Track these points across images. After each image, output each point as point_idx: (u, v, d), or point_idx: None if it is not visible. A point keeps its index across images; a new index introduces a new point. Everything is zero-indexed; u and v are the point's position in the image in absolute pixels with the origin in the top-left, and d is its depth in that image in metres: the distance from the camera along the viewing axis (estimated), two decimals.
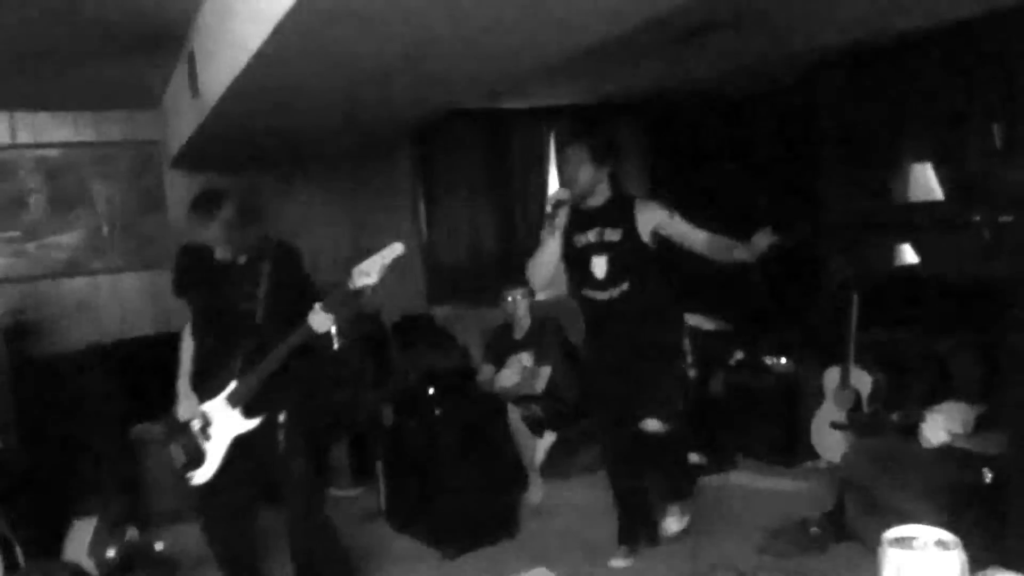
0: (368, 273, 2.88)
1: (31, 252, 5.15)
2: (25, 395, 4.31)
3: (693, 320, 5.03)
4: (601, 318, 3.37)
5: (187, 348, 3.19)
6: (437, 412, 3.96)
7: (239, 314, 3.04)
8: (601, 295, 3.32)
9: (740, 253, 3.12)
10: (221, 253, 3.01)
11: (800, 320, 5.54)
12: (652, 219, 3.27)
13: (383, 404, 4.32)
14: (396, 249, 2.92)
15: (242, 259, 3.06)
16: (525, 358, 4.93)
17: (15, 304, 4.98)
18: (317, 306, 2.91)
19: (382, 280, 2.87)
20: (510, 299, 4.96)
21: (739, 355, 5.16)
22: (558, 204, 3.24)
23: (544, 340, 4.89)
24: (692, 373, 4.43)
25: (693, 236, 3.24)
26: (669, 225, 3.27)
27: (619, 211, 3.30)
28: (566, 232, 3.36)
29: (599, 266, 3.30)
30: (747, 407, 4.97)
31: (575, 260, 3.37)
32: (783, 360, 4.97)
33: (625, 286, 3.28)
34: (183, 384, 3.14)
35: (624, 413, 3.40)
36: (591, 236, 3.32)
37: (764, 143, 6.17)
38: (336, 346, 3.16)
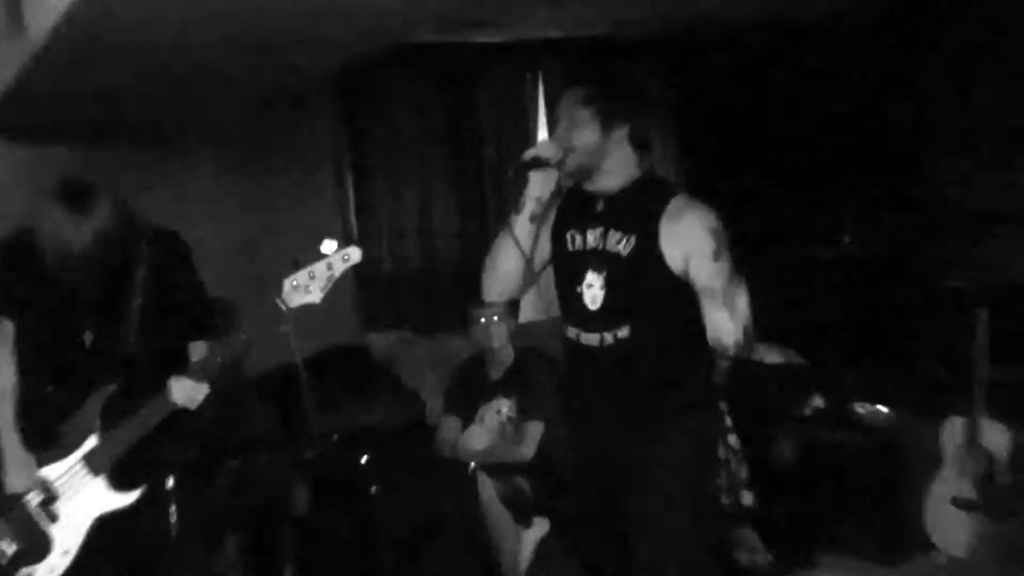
0: (306, 288, 2.98)
1: None
2: None
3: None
4: (584, 374, 3.19)
5: (4, 387, 3.22)
6: (373, 491, 3.99)
7: (99, 342, 3.13)
8: (588, 337, 3.11)
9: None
10: (77, 259, 3.05)
11: (905, 351, 5.59)
12: (691, 241, 2.99)
13: (292, 481, 4.34)
14: (351, 256, 3.00)
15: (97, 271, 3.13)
16: (505, 408, 4.97)
17: None
18: (191, 368, 3.03)
19: (325, 299, 2.99)
20: (482, 322, 4.98)
21: (816, 402, 5.18)
22: (533, 164, 3.08)
23: (532, 382, 4.92)
24: (735, 443, 4.33)
25: (723, 316, 2.92)
26: (704, 269, 2.96)
27: (640, 206, 3.09)
28: (556, 223, 3.23)
29: (592, 289, 3.10)
30: (829, 478, 4.95)
31: (563, 272, 3.22)
32: (881, 409, 5.00)
33: (625, 331, 3.07)
34: (7, 440, 3.17)
35: (607, 539, 3.22)
36: (590, 238, 3.14)
37: (844, 97, 6.28)
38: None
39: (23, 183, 5.36)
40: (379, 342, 6.14)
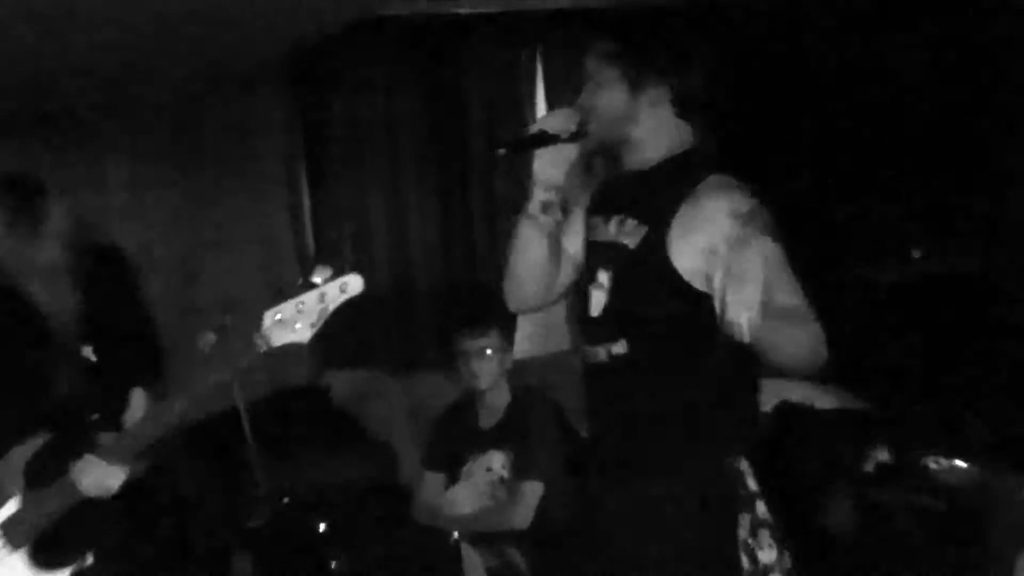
0: (293, 324, 3.01)
1: None
2: None
3: (794, 391, 5.11)
4: (591, 392, 3.20)
5: None
6: (334, 566, 4.00)
7: (34, 379, 3.24)
8: (591, 350, 3.12)
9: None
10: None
11: (991, 393, 5.55)
12: (707, 233, 2.82)
13: (234, 551, 4.46)
14: (350, 286, 3.03)
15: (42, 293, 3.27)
16: (497, 464, 4.98)
17: None
18: (102, 448, 3.04)
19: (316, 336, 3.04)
20: (471, 355, 4.97)
21: (880, 455, 5.16)
22: (538, 140, 3.07)
23: (531, 432, 4.94)
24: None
25: (738, 291, 2.59)
26: (716, 262, 2.63)
27: (667, 188, 3.02)
28: (589, 208, 3.24)
29: (599, 289, 3.10)
30: (897, 548, 4.93)
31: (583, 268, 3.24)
32: (960, 464, 4.97)
33: (620, 346, 3.05)
34: None
35: None
36: (610, 226, 3.11)
37: (911, 78, 6.25)
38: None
39: None
40: (341, 383, 6.18)
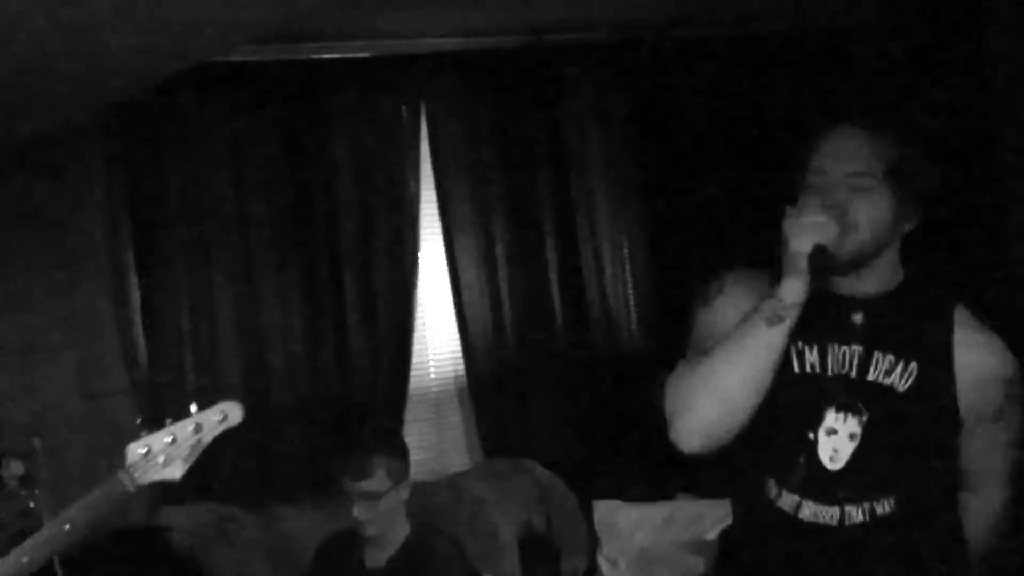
0: (165, 459, 3.08)
1: None
2: None
3: None
4: (794, 562, 3.24)
5: None
6: None
7: None
8: (820, 511, 3.15)
9: None
10: None
11: None
12: (995, 384, 3.11)
13: None
14: (230, 416, 3.16)
15: None
16: None
17: None
18: None
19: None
20: (356, 498, 4.85)
21: None
22: (820, 258, 3.08)
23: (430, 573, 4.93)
24: None
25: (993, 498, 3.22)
26: (996, 430, 3.15)
27: (915, 321, 3.18)
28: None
29: (835, 437, 3.14)
30: None
31: (779, 403, 3.21)
32: None
33: (888, 504, 3.12)
34: None
35: None
36: (838, 360, 3.19)
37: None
38: None
39: None
40: (183, 521, 5.93)
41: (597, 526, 6.69)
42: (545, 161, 7.04)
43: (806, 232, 3.02)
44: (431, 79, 6.74)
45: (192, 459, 3.09)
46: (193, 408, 3.12)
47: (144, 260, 6.27)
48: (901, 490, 3.08)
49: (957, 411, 3.08)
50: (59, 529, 3.08)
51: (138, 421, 3.10)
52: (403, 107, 6.70)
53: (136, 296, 6.24)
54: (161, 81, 4.98)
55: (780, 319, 3.05)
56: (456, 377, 6.77)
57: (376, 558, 4.84)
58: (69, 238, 6.18)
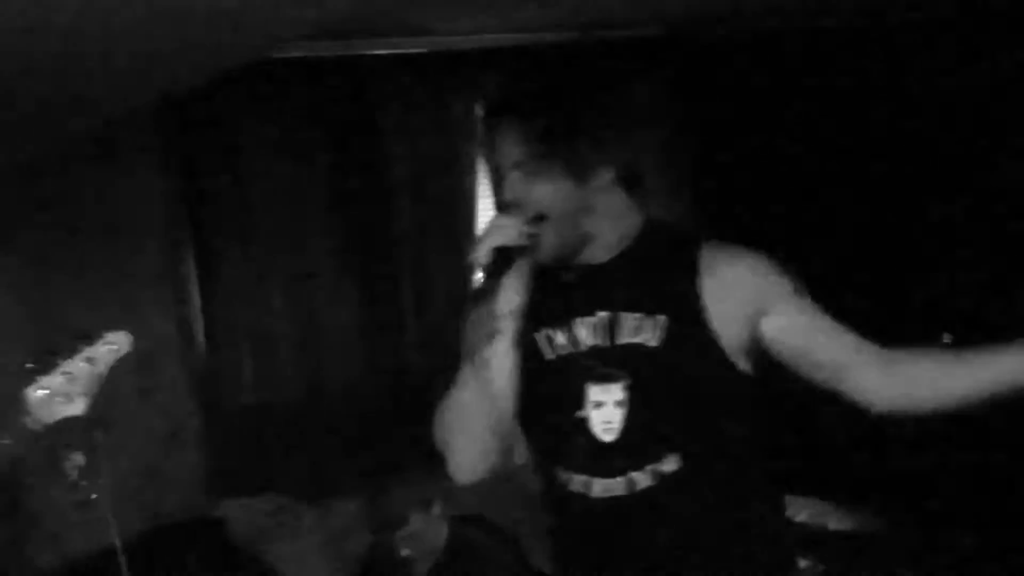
0: (65, 396, 3.12)
1: None
2: None
3: (804, 510, 5.19)
4: (600, 543, 3.19)
5: None
6: None
7: None
8: (603, 484, 3.12)
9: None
10: None
11: None
12: (760, 300, 3.09)
13: None
14: (118, 344, 3.17)
15: None
16: None
17: None
18: None
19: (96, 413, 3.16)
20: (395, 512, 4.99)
21: None
22: (502, 264, 3.02)
23: (473, 569, 5.05)
24: None
25: (847, 356, 3.07)
26: (797, 328, 3.10)
27: (657, 270, 3.13)
28: (521, 326, 3.17)
29: (603, 409, 3.11)
30: None
31: (541, 394, 3.20)
32: None
33: (672, 463, 3.08)
34: None
35: None
36: (583, 333, 3.14)
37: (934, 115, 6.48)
38: None
39: None
40: (239, 513, 6.02)
41: None
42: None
43: (484, 239, 3.01)
44: (485, 74, 6.71)
45: (92, 392, 3.14)
46: (81, 343, 3.16)
47: (200, 252, 6.38)
48: (681, 445, 3.05)
49: (721, 350, 3.04)
50: None
51: (28, 366, 3.13)
52: (458, 103, 6.70)
53: (193, 288, 6.35)
54: (219, 75, 5.02)
55: (494, 334, 3.05)
56: None
57: (421, 566, 4.99)
58: (126, 231, 6.26)
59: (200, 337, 6.37)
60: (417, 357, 6.56)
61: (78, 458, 5.58)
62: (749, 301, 3.07)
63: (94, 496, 5.78)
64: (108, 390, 5.76)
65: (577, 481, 3.12)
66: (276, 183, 6.50)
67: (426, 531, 4.96)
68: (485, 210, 6.65)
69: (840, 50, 6.90)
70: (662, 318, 3.04)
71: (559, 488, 3.17)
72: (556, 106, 3.12)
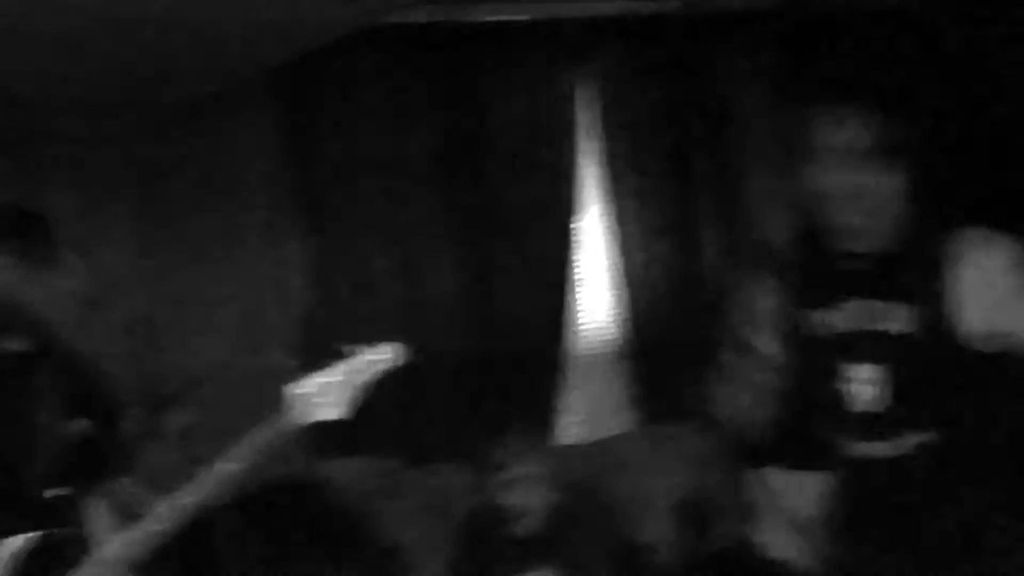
0: (329, 399, 3.29)
1: None
2: None
3: None
4: (868, 498, 3.34)
5: None
6: None
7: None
8: (871, 446, 3.25)
9: None
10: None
11: None
12: (1013, 291, 3.09)
13: None
14: (389, 357, 3.36)
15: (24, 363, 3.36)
16: None
17: None
18: None
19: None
20: (501, 473, 4.97)
21: None
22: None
23: (582, 541, 4.93)
24: None
25: None
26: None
27: (913, 257, 3.17)
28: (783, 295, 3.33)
29: (859, 385, 3.21)
30: None
31: (804, 367, 3.30)
32: None
33: (920, 439, 3.20)
34: None
35: None
36: (842, 316, 3.24)
37: None
38: None
39: None
40: (343, 474, 6.10)
41: (755, 493, 6.58)
42: (704, 126, 6.99)
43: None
44: (590, 43, 6.71)
45: (352, 400, 3.28)
46: (352, 350, 3.27)
47: (305, 214, 6.47)
48: (928, 425, 3.18)
49: (969, 335, 3.09)
50: (222, 471, 3.26)
51: (297, 364, 3.20)
52: (562, 72, 6.68)
53: (298, 250, 6.45)
54: (327, 42, 5.09)
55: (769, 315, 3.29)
56: (612, 341, 6.71)
57: (523, 527, 4.97)
58: (233, 193, 6.38)
59: (303, 298, 6.44)
60: (518, 324, 6.57)
61: (180, 418, 5.69)
62: (1003, 290, 3.07)
63: (192, 456, 5.90)
64: (214, 348, 5.73)
65: (839, 446, 3.34)
66: (382, 146, 6.51)
67: (528, 492, 4.96)
68: (587, 176, 6.69)
69: None
70: (914, 306, 3.12)
71: (829, 447, 3.38)
72: (889, 90, 3.22)
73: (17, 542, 3.21)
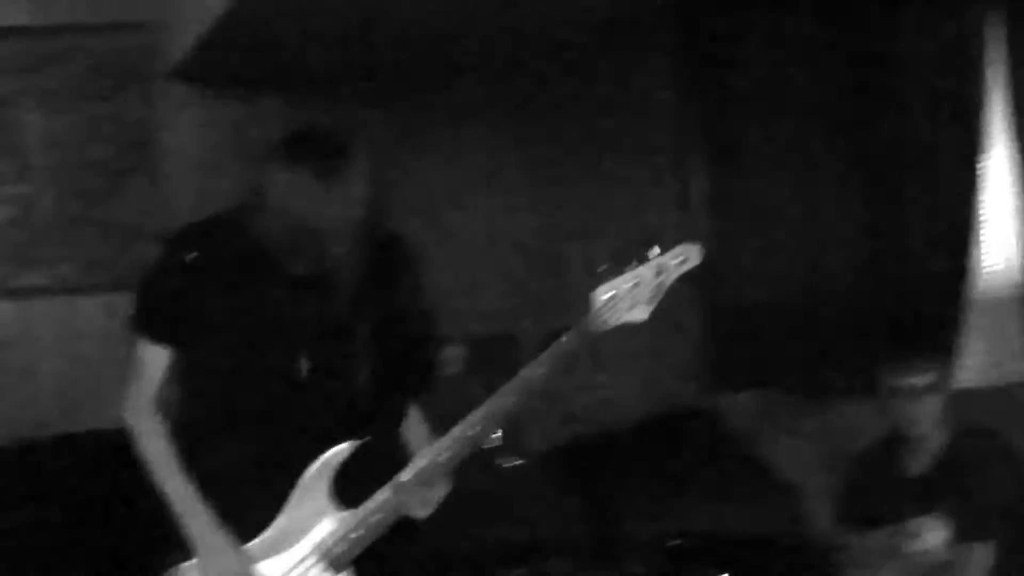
0: (629, 302, 3.18)
1: None
2: None
3: None
4: None
5: (160, 440, 3.32)
6: None
7: (317, 376, 3.26)
8: None
9: None
10: (311, 254, 3.19)
11: None
12: None
13: None
14: (689, 256, 3.23)
15: (325, 273, 3.25)
16: (930, 535, 4.80)
17: None
18: (417, 474, 3.23)
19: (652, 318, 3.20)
20: (904, 395, 4.91)
21: None
22: None
23: (977, 482, 4.83)
24: None
25: None
26: None
27: None
28: None
29: None
30: None
31: None
32: None
33: None
34: (195, 523, 3.25)
35: None
36: None
37: None
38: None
39: (233, 150, 5.72)
40: (738, 407, 6.20)
41: None
42: None
43: None
44: None
45: (655, 301, 3.19)
46: (654, 251, 3.19)
47: (707, 150, 6.53)
48: None
49: None
50: (530, 376, 3.20)
51: (601, 268, 3.16)
52: (971, 6, 6.32)
53: (699, 184, 6.50)
54: None
55: None
56: (1017, 283, 6.46)
57: (917, 466, 4.92)
58: (636, 127, 6.47)
59: (705, 232, 6.43)
60: (919, 265, 6.38)
61: (457, 352, 5.76)
62: None
63: (475, 391, 6.00)
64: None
65: None
66: (785, 86, 6.47)
67: (924, 433, 4.89)
68: (995, 113, 6.40)
69: None
70: None
71: None
72: None
73: (343, 448, 3.24)
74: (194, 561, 3.23)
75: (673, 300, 6.30)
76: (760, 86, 6.50)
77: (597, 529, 5.65)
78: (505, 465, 5.64)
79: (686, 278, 6.28)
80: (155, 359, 3.31)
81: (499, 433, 5.48)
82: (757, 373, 6.37)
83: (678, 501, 5.61)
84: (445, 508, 4.43)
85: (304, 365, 3.24)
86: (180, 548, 3.24)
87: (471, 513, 5.54)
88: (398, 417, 3.42)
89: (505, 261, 6.27)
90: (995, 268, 6.51)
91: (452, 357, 5.56)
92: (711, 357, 6.53)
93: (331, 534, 3.22)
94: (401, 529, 3.31)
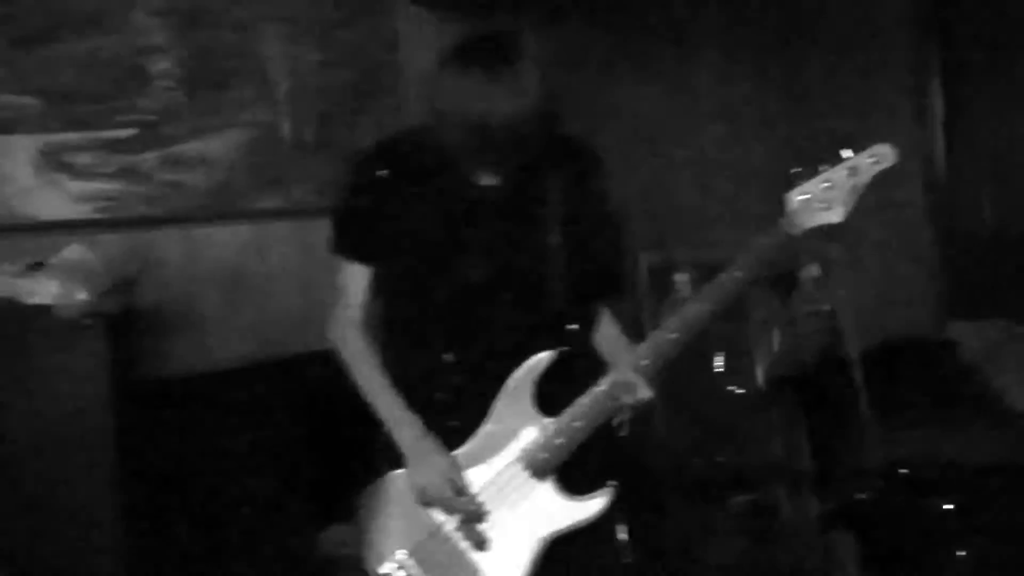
0: (823, 203, 3.15)
1: (143, 171, 5.49)
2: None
3: None
4: None
5: (368, 357, 3.44)
6: (960, 554, 4.26)
7: (503, 286, 3.32)
8: None
9: None
10: (499, 161, 3.23)
11: None
12: None
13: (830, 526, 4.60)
14: (883, 157, 3.15)
15: (510, 180, 3.31)
16: None
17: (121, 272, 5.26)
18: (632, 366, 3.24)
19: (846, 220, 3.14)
20: None
21: None
22: None
23: None
24: None
25: None
26: None
27: None
28: None
29: None
30: None
31: None
32: None
33: None
34: (404, 434, 3.36)
35: None
36: None
37: None
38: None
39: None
40: (970, 337, 6.09)
41: None
42: None
43: None
44: None
45: (851, 202, 3.15)
46: (846, 153, 3.17)
47: (947, 74, 6.46)
48: None
49: None
50: (728, 279, 3.20)
51: (795, 170, 3.17)
52: None
53: (937, 110, 6.45)
54: None
55: None
56: None
57: None
58: (875, 46, 6.49)
59: (942, 160, 6.39)
60: None
61: (813, 269, 5.80)
62: None
63: (827, 308, 5.99)
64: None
65: None
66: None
67: None
68: None
69: None
70: None
71: None
72: None
73: (545, 356, 3.27)
74: (404, 470, 3.33)
75: (909, 229, 6.30)
76: (997, 12, 6.35)
77: (825, 458, 5.63)
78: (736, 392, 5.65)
79: (924, 207, 6.33)
80: (356, 278, 3.42)
81: (721, 361, 5.68)
82: (992, 303, 6.25)
83: (909, 430, 5.56)
84: (671, 431, 4.48)
85: (495, 273, 3.30)
86: (393, 459, 3.35)
87: (699, 438, 5.60)
88: (590, 324, 3.45)
89: (734, 189, 6.27)
90: None
91: (681, 283, 5.59)
92: (946, 286, 6.45)
93: (534, 442, 3.28)
94: (603, 438, 3.33)
